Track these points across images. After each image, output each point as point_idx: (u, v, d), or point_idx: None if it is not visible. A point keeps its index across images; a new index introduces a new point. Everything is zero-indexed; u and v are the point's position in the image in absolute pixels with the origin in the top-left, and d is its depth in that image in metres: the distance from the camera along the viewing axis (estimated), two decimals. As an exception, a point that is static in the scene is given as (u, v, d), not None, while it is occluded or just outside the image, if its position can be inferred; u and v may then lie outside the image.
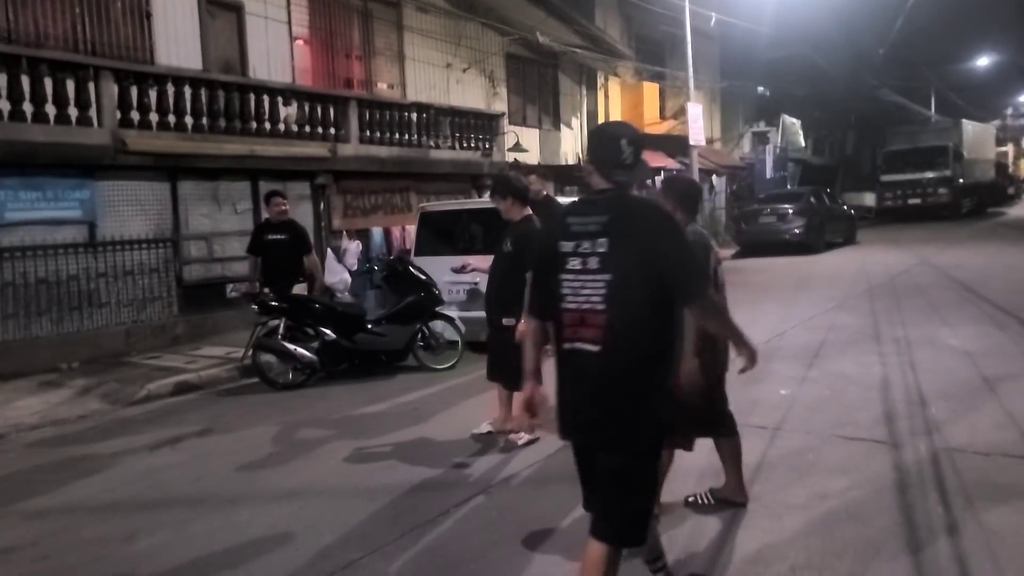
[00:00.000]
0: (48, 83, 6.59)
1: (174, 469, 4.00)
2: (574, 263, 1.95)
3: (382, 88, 11.25)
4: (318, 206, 9.04)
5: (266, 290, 6.02)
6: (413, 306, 6.11)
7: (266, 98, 8.41)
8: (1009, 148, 36.82)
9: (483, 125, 11.46)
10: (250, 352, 5.89)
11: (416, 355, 6.15)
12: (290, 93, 8.81)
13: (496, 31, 12.84)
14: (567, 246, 1.97)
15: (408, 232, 9.37)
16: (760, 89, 20.67)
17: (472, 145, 11.16)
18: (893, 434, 3.84)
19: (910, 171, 21.80)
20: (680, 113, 16.83)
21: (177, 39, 8.45)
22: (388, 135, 9.87)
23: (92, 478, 3.92)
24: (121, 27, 8.00)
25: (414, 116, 10.30)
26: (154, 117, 7.37)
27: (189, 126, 7.66)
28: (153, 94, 7.36)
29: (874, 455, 3.54)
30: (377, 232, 9.68)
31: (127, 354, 6.91)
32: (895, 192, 22.04)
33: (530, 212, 4.12)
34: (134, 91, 7.19)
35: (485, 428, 4.19)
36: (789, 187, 20.07)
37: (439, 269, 6.47)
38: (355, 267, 8.78)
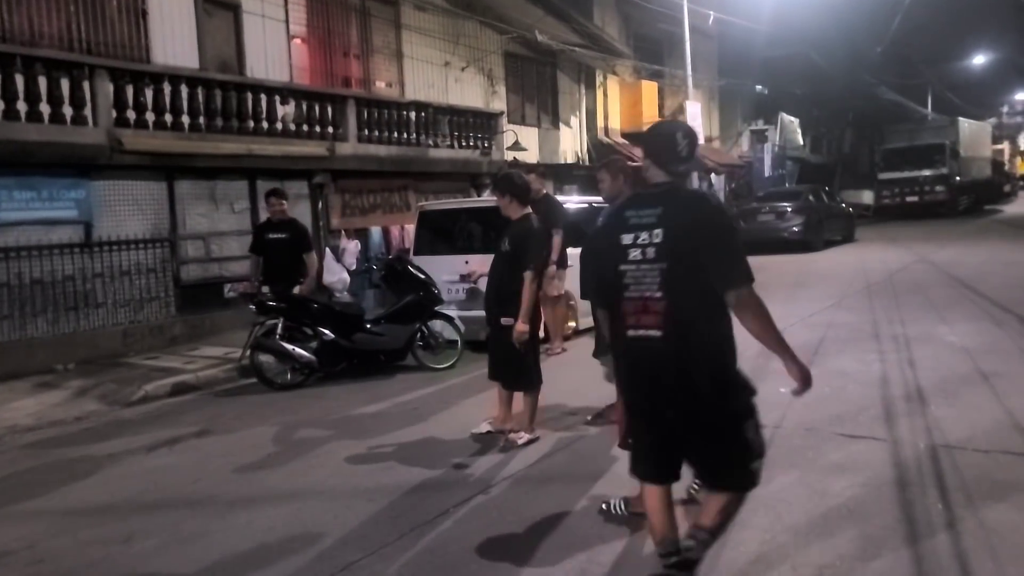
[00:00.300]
0: (43, 82, 6.56)
1: (172, 470, 3.98)
2: (634, 254, 2.10)
3: (380, 87, 11.22)
4: (316, 205, 9.01)
5: (264, 289, 6.00)
6: (412, 305, 6.09)
7: (263, 97, 8.38)
8: (1005, 146, 36.88)
9: (482, 124, 11.44)
10: (248, 352, 5.87)
11: (415, 355, 6.13)
12: (288, 92, 8.78)
13: (494, 29, 12.82)
14: (627, 238, 2.11)
15: (407, 231, 9.35)
16: (758, 87, 20.69)
17: (471, 144, 11.14)
18: (893, 431, 3.83)
19: (908, 169, 21.84)
20: (679, 112, 16.83)
21: (173, 37, 8.41)
22: (386, 134, 9.84)
23: (89, 480, 3.90)
24: (117, 25, 7.96)
25: (412, 115, 10.27)
26: (150, 116, 7.34)
27: (186, 125, 7.63)
28: (149, 93, 7.32)
29: (874, 452, 3.53)
30: (376, 231, 9.66)
31: (124, 355, 6.88)
32: (893, 190, 22.07)
33: (529, 211, 4.10)
34: (130, 90, 7.16)
35: (484, 428, 4.17)
36: (787, 185, 20.08)
37: (438, 268, 6.46)
38: (353, 266, 8.75)
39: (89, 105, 6.84)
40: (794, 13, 19.20)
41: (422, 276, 6.15)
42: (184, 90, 7.61)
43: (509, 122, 12.54)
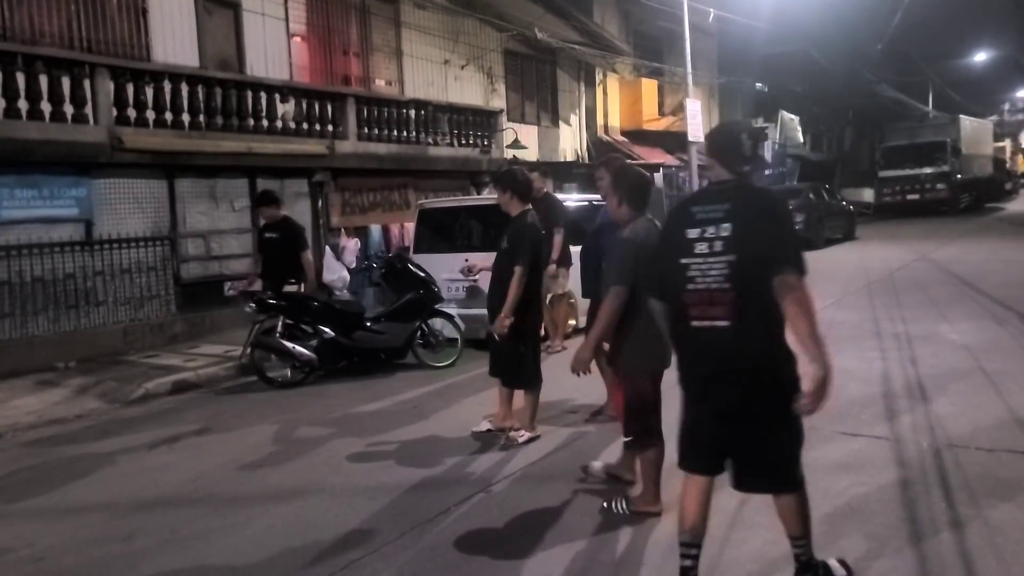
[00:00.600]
0: (44, 80, 6.55)
1: (172, 468, 3.97)
2: (701, 247, 2.17)
3: (380, 85, 11.20)
4: (316, 203, 9.00)
5: (257, 285, 6.00)
6: (412, 303, 6.08)
7: (263, 95, 8.36)
8: (1006, 144, 36.78)
9: (482, 122, 11.42)
10: (248, 350, 5.86)
11: (415, 353, 6.12)
12: (287, 90, 8.76)
13: (494, 27, 12.79)
14: (693, 232, 2.19)
15: (407, 229, 9.33)
16: (758, 85, 20.64)
17: (471, 142, 11.12)
18: (895, 430, 3.82)
19: (908, 167, 21.79)
20: (679, 109, 16.79)
21: (173, 36, 8.40)
22: (386, 132, 9.82)
23: (89, 478, 3.90)
24: (117, 24, 7.95)
25: (412, 113, 10.25)
26: (151, 114, 7.32)
27: (186, 123, 7.62)
28: (149, 91, 7.31)
29: (876, 451, 3.52)
30: (376, 229, 9.64)
31: (124, 353, 6.87)
32: (894, 188, 22.03)
33: (528, 207, 4.10)
34: (130, 88, 7.15)
35: (485, 426, 4.16)
36: (788, 183, 20.05)
37: (438, 266, 6.45)
38: (353, 265, 8.74)
39: (90, 103, 6.83)
40: (794, 10, 19.17)
41: (422, 274, 6.14)
42: (184, 88, 7.60)
43: (509, 120, 12.53)
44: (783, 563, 2.53)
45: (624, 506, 3.00)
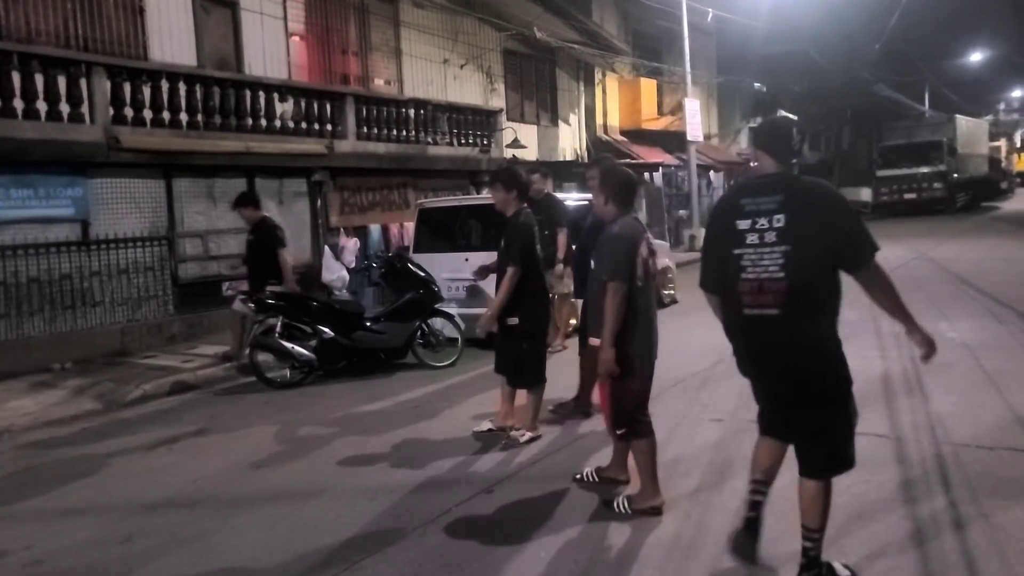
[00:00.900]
0: (40, 79, 6.51)
1: (171, 470, 3.95)
2: (752, 238, 2.23)
3: (379, 84, 11.18)
4: (315, 203, 8.97)
5: (242, 292, 6.06)
6: (412, 303, 6.06)
7: (262, 94, 8.33)
8: (1002, 143, 36.93)
9: (481, 121, 11.40)
10: (247, 351, 5.83)
11: (416, 353, 6.10)
12: (286, 89, 8.74)
13: (493, 27, 12.77)
14: (744, 224, 2.25)
15: (406, 229, 9.31)
16: (757, 85, 20.67)
17: (470, 141, 11.10)
18: (896, 429, 3.82)
19: (905, 166, 21.87)
20: (678, 109, 16.80)
21: (171, 35, 8.36)
22: (385, 131, 9.80)
23: (87, 479, 3.87)
24: (114, 22, 7.91)
25: (411, 112, 10.23)
26: (148, 114, 7.29)
27: (184, 123, 7.58)
28: (147, 90, 7.27)
29: (878, 450, 3.51)
30: (375, 229, 9.62)
31: (122, 353, 6.84)
32: (891, 187, 22.10)
33: (523, 207, 4.09)
34: (127, 87, 7.11)
35: (486, 426, 4.15)
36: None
37: (438, 266, 6.44)
38: (353, 264, 8.71)
39: (86, 102, 6.79)
40: (792, 10, 19.21)
41: (422, 274, 6.12)
42: (182, 87, 7.56)
43: (508, 119, 12.51)
44: (787, 562, 2.53)
45: (627, 505, 2.99)
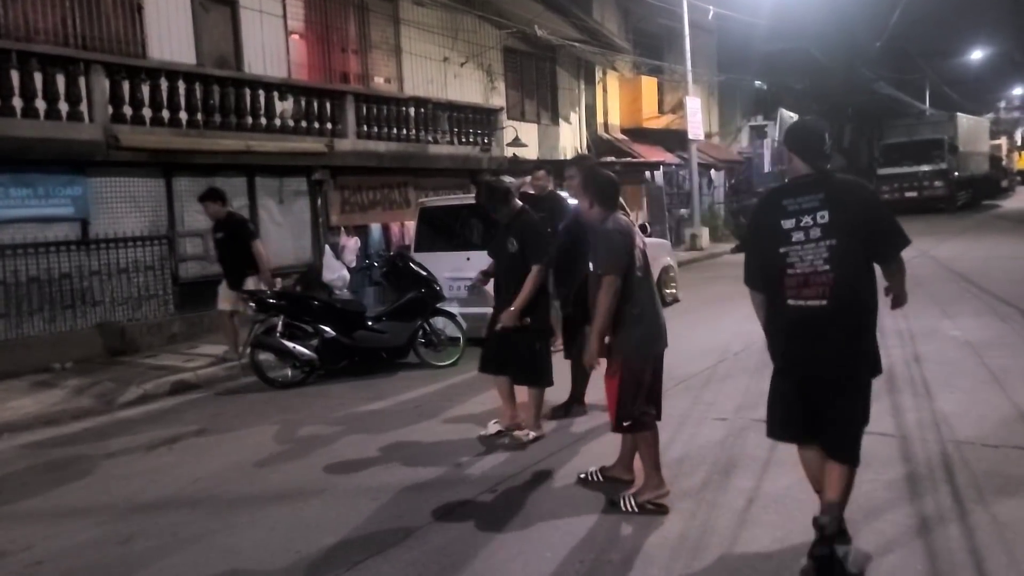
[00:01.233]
0: (39, 78, 6.48)
1: (172, 470, 3.93)
2: (798, 236, 2.37)
3: (379, 82, 11.15)
4: (315, 202, 8.95)
5: (221, 287, 6.05)
6: (414, 302, 6.04)
7: (261, 93, 8.30)
8: (1003, 141, 36.91)
9: (481, 120, 11.37)
10: (248, 350, 5.81)
11: (417, 352, 6.08)
12: (286, 88, 8.70)
13: (493, 25, 12.74)
14: (788, 223, 2.39)
15: (407, 228, 9.29)
16: (757, 83, 20.64)
17: (470, 140, 11.07)
18: (901, 427, 3.80)
19: (906, 164, 21.87)
20: (678, 107, 16.77)
21: (170, 33, 8.33)
22: (386, 130, 9.77)
23: (87, 480, 3.86)
24: (112, 20, 7.88)
25: (412, 111, 10.20)
26: (147, 112, 7.25)
27: (183, 121, 7.55)
28: (146, 89, 7.24)
29: (883, 448, 3.49)
30: (375, 228, 9.59)
31: (122, 353, 6.82)
32: (892, 185, 22.08)
33: (522, 204, 4.08)
34: (126, 86, 7.07)
35: (493, 429, 4.09)
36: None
37: (439, 265, 6.41)
38: (353, 263, 8.69)
39: (85, 101, 6.76)
40: (793, 8, 19.18)
41: (424, 273, 6.10)
42: (181, 86, 7.53)
43: (508, 118, 12.47)
44: (792, 560, 2.51)
45: (632, 503, 2.97)
